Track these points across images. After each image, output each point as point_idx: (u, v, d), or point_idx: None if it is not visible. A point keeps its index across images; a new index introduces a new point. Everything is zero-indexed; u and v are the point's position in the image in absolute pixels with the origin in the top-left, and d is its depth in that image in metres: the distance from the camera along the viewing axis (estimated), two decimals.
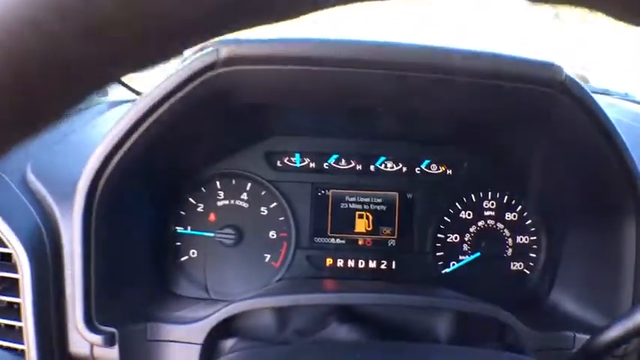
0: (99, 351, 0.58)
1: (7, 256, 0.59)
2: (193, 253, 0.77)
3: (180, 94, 0.52)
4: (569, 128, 0.60)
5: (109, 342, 0.55)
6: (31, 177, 0.63)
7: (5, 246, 0.58)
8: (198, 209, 0.77)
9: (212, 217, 0.77)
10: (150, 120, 0.54)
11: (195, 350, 0.60)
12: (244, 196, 0.77)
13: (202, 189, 0.77)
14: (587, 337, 0.57)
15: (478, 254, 0.78)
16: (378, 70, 0.51)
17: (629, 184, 0.60)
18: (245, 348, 0.60)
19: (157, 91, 0.52)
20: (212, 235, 0.76)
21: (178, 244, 0.77)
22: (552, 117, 0.58)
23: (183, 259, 0.76)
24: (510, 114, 0.61)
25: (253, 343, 0.61)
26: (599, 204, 0.66)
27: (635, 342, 0.61)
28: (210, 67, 0.51)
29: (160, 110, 0.53)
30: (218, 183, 0.77)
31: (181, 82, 0.51)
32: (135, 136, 0.54)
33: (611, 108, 0.67)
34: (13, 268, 0.58)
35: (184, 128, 0.60)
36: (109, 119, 0.78)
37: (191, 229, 0.77)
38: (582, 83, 0.56)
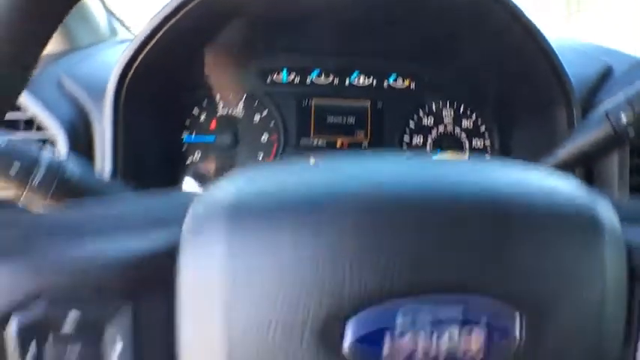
0: None
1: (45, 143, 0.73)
2: (197, 156, 0.91)
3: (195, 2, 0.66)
4: (506, 36, 0.74)
5: None
6: (66, 81, 0.77)
7: (45, 132, 0.72)
8: (201, 119, 0.91)
9: (213, 125, 0.91)
10: (167, 26, 0.68)
11: None
12: (240, 106, 0.92)
13: (204, 101, 0.91)
14: None
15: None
16: None
17: (558, 81, 0.74)
18: None
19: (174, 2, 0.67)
20: (213, 140, 0.90)
21: (184, 149, 0.91)
22: (491, 27, 0.72)
23: (188, 161, 0.91)
24: (457, 27, 0.75)
25: None
26: (538, 104, 0.81)
27: None
28: None
29: (176, 17, 0.67)
30: (218, 96, 0.92)
31: None
32: (156, 38, 0.68)
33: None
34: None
35: (193, 40, 0.74)
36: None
37: (195, 136, 0.91)
38: None
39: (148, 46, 0.70)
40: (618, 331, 0.26)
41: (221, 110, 0.92)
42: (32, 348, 0.21)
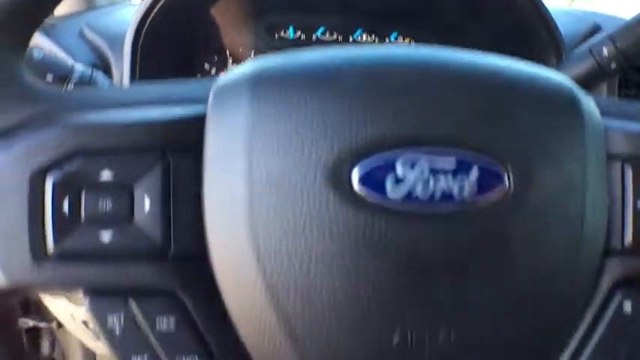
0: None
1: None
2: None
3: None
4: None
5: None
6: (87, 31, 0.82)
7: None
8: (212, 72, 0.97)
9: None
10: None
11: None
12: None
13: (215, 57, 0.97)
14: None
15: None
16: None
17: (549, 34, 0.78)
18: None
19: None
20: None
21: None
22: None
23: None
24: None
25: None
26: (529, 56, 0.85)
27: None
28: None
29: None
30: (227, 51, 0.97)
31: None
32: None
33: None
34: None
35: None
36: None
37: None
38: None
39: (160, 2, 0.75)
40: (600, 218, 0.28)
41: (230, 65, 0.97)
42: (67, 201, 0.24)
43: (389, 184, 0.24)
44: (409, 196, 0.24)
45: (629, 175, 0.29)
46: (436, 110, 0.25)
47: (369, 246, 0.24)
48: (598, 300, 0.29)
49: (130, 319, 0.25)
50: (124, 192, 0.24)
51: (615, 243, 0.29)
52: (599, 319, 0.29)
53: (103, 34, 0.82)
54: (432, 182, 0.24)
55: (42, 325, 0.82)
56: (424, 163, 0.24)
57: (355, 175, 0.24)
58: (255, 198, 0.24)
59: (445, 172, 0.25)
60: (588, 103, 0.29)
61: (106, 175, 0.24)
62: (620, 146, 0.29)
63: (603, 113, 0.30)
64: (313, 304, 0.24)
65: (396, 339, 0.25)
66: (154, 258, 0.25)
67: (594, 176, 0.28)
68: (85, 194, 0.24)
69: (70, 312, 0.65)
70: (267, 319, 0.25)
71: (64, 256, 0.24)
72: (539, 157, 0.26)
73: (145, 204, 0.25)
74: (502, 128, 0.26)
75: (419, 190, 0.24)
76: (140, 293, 0.25)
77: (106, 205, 0.24)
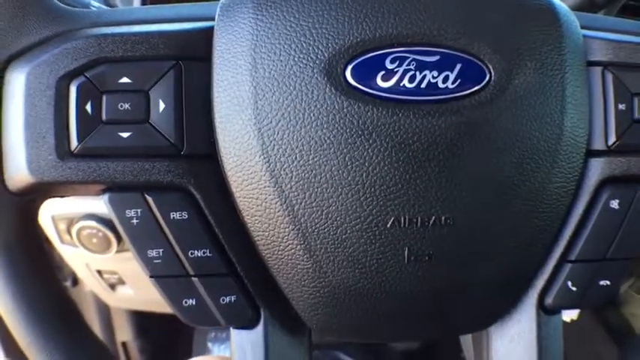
0: None
1: None
2: None
3: None
4: None
5: None
6: None
7: None
8: None
9: None
10: None
11: None
12: None
13: None
14: None
15: None
16: None
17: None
18: None
19: None
20: None
21: None
22: None
23: None
24: None
25: None
26: None
27: None
28: None
29: None
30: None
31: None
32: None
33: None
34: None
35: None
36: None
37: None
38: None
39: None
40: (580, 118, 0.29)
41: None
42: (90, 104, 0.26)
43: (379, 77, 0.26)
44: (397, 86, 0.26)
45: (610, 80, 0.30)
46: (422, 12, 0.27)
47: (362, 133, 0.26)
48: (585, 197, 0.30)
49: (146, 212, 0.27)
50: (140, 96, 0.27)
51: (599, 144, 0.30)
52: (588, 215, 0.31)
53: None
54: (418, 74, 0.27)
55: None
56: (411, 58, 0.27)
57: (348, 69, 0.26)
58: (259, 94, 0.26)
59: (430, 66, 0.27)
60: (565, 11, 0.30)
61: (125, 80, 0.26)
62: (601, 54, 0.31)
63: (584, 25, 0.31)
64: (314, 189, 0.27)
65: (389, 221, 0.27)
66: (168, 156, 0.27)
67: (573, 78, 0.29)
68: (106, 97, 0.26)
69: (85, 262, 0.68)
70: (272, 206, 0.27)
71: (86, 154, 0.26)
72: (518, 55, 0.28)
73: (160, 106, 0.27)
74: (483, 27, 0.28)
75: (406, 81, 0.26)
76: (156, 188, 0.27)
77: (125, 107, 0.26)
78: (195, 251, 0.27)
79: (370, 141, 0.26)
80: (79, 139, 0.26)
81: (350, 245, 0.27)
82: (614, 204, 0.30)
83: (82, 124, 0.26)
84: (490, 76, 0.27)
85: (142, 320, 0.88)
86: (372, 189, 0.27)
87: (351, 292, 0.28)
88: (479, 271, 0.29)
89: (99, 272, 0.67)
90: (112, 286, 0.69)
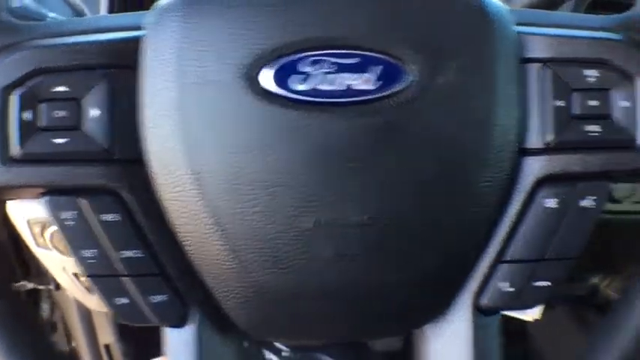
0: None
1: None
2: None
3: None
4: None
5: None
6: None
7: None
8: None
9: None
10: None
11: None
12: None
13: None
14: None
15: None
16: None
17: None
18: None
19: None
20: None
21: None
22: None
23: None
24: None
25: None
26: None
27: None
28: None
29: None
30: None
31: None
32: None
33: None
34: None
35: None
36: None
37: None
38: None
39: None
40: (512, 117, 0.30)
41: None
42: (29, 112, 0.28)
43: (295, 80, 0.27)
44: (314, 89, 0.27)
45: (549, 76, 0.31)
46: (341, 15, 0.28)
47: (279, 136, 0.27)
48: (521, 197, 0.31)
49: (80, 215, 0.28)
50: (74, 104, 0.28)
51: (536, 143, 0.31)
52: (523, 215, 0.31)
53: None
54: (336, 77, 0.27)
55: (41, 287, 0.85)
56: (329, 61, 0.27)
57: (265, 74, 0.27)
58: (184, 100, 0.28)
59: (349, 69, 0.27)
60: (496, 8, 0.31)
61: (60, 89, 0.28)
62: (539, 50, 0.31)
63: (522, 22, 0.32)
64: (236, 192, 0.28)
65: (310, 221, 0.28)
66: (100, 161, 0.29)
67: (504, 76, 0.30)
68: (43, 106, 0.28)
69: (61, 265, 0.69)
70: (196, 209, 0.28)
71: (26, 159, 0.28)
72: (441, 54, 0.28)
73: (93, 114, 0.29)
74: (405, 28, 0.28)
75: (324, 84, 0.27)
76: (89, 192, 0.29)
77: (60, 114, 0.28)
78: (126, 252, 0.29)
79: (288, 144, 0.27)
80: (20, 145, 0.28)
81: (273, 246, 0.28)
82: (552, 203, 0.31)
83: (22, 131, 0.28)
84: (411, 77, 0.28)
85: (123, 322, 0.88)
86: (292, 190, 0.28)
87: (276, 292, 0.29)
88: (406, 271, 0.30)
89: (75, 275, 0.67)
90: (89, 289, 0.69)
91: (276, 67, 0.27)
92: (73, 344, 0.94)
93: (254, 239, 0.28)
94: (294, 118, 0.27)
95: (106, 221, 0.28)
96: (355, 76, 0.27)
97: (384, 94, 0.28)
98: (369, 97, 0.28)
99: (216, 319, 0.31)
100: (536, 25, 0.32)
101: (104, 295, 0.30)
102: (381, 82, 0.27)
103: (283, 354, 0.88)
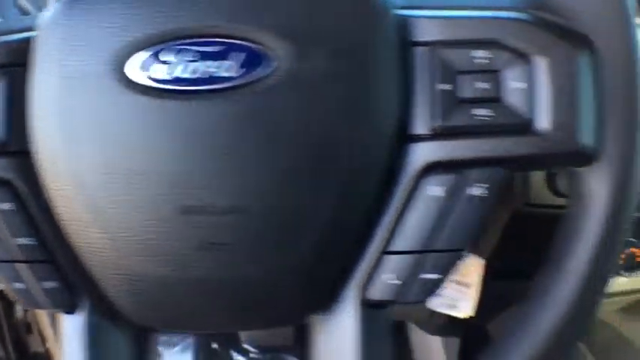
0: None
1: None
2: None
3: None
4: None
5: None
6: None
7: None
8: None
9: None
10: None
11: None
12: None
13: None
14: None
15: None
16: None
17: None
18: None
19: None
20: None
21: None
22: None
23: None
24: None
25: None
26: None
27: None
28: None
29: None
30: None
31: None
32: None
33: None
34: None
35: None
36: None
37: None
38: None
39: None
40: (392, 103, 0.29)
41: None
42: None
43: (159, 70, 0.28)
44: (177, 78, 0.27)
45: (435, 59, 0.29)
46: (205, 4, 0.28)
47: (145, 125, 0.28)
48: (407, 185, 0.30)
49: None
50: None
51: (422, 129, 0.29)
52: (409, 204, 0.30)
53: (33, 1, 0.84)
54: (199, 65, 0.27)
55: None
56: (192, 50, 0.28)
57: (131, 65, 0.28)
58: (63, 93, 0.29)
59: (212, 57, 0.27)
60: None
61: None
62: (426, 33, 0.30)
63: (408, 5, 0.31)
64: (111, 181, 0.28)
65: (178, 209, 0.28)
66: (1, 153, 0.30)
67: (382, 61, 0.29)
68: None
69: None
70: (76, 198, 0.29)
71: None
72: (309, 40, 0.28)
73: None
74: (270, 15, 0.28)
75: (187, 73, 0.27)
76: None
77: None
78: (21, 239, 0.30)
79: (154, 133, 0.28)
80: None
81: (144, 235, 0.29)
82: (438, 191, 0.30)
83: None
84: (276, 63, 0.27)
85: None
86: (159, 178, 0.28)
87: (152, 280, 0.30)
88: (278, 261, 0.29)
89: None
90: None
91: (141, 58, 0.28)
92: (48, 345, 0.94)
93: (127, 228, 0.29)
94: (159, 107, 0.28)
95: (3, 210, 0.30)
96: (217, 63, 0.27)
97: (246, 80, 0.27)
98: (231, 84, 0.27)
99: (105, 307, 0.32)
100: (426, 8, 0.31)
101: (5, 280, 0.31)
102: (243, 70, 0.27)
103: (251, 355, 0.88)
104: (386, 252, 0.30)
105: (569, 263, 0.32)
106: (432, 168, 0.30)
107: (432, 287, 0.30)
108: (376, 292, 0.30)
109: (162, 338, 0.89)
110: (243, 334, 0.90)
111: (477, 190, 0.30)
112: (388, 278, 0.30)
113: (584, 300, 0.32)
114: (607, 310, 0.69)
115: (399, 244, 0.30)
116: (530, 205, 0.55)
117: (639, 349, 0.65)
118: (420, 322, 0.80)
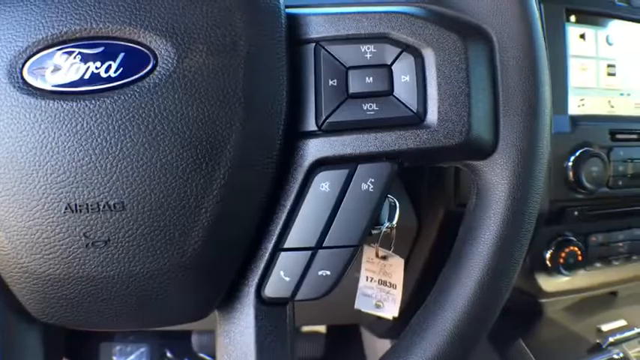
0: None
1: None
2: None
3: None
4: None
5: None
6: None
7: None
8: None
9: None
10: None
11: None
12: None
13: None
14: None
15: None
16: None
17: None
18: None
19: None
20: None
21: None
22: None
23: None
24: None
25: None
26: None
27: None
28: None
29: None
30: None
31: None
32: None
33: None
34: None
35: None
36: None
37: None
38: None
39: None
40: (276, 100, 0.29)
41: None
42: None
43: (48, 73, 0.28)
44: (64, 79, 0.28)
45: (322, 56, 0.30)
46: (89, 7, 0.28)
47: (34, 126, 0.28)
48: (297, 182, 0.30)
49: None
50: None
51: (311, 125, 0.30)
52: (299, 201, 0.30)
53: None
54: (82, 66, 0.28)
55: None
56: (76, 52, 0.28)
57: (25, 69, 0.28)
58: None
59: (93, 58, 0.28)
60: None
61: None
62: (313, 30, 0.30)
63: (297, 5, 0.31)
64: (6, 180, 0.28)
65: (62, 207, 0.28)
66: None
67: (267, 58, 0.29)
68: None
69: None
70: None
71: None
72: (188, 39, 0.28)
73: None
74: (149, 15, 0.28)
75: (72, 74, 0.28)
76: None
77: None
78: None
79: (41, 132, 0.28)
80: None
81: (36, 231, 0.29)
82: (325, 187, 0.30)
83: None
84: (155, 62, 0.28)
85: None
86: (47, 177, 0.28)
87: (46, 277, 0.30)
88: (168, 258, 0.29)
89: None
90: None
91: (33, 61, 0.28)
92: None
93: (21, 226, 0.29)
94: (47, 109, 0.28)
95: None
96: (98, 64, 0.28)
97: (126, 80, 0.28)
98: (112, 84, 0.28)
99: (16, 307, 0.32)
100: (314, 6, 0.31)
101: None
102: (123, 69, 0.28)
103: None
104: (279, 249, 0.30)
105: (468, 259, 0.32)
106: (322, 164, 0.30)
107: (325, 285, 0.30)
108: (271, 290, 0.31)
109: (116, 348, 0.88)
110: (197, 343, 0.90)
111: (365, 186, 0.30)
112: (281, 275, 0.30)
113: (484, 297, 0.32)
114: (551, 309, 0.69)
115: (290, 241, 0.30)
116: (462, 205, 0.55)
117: (583, 349, 0.65)
118: (369, 325, 0.80)
